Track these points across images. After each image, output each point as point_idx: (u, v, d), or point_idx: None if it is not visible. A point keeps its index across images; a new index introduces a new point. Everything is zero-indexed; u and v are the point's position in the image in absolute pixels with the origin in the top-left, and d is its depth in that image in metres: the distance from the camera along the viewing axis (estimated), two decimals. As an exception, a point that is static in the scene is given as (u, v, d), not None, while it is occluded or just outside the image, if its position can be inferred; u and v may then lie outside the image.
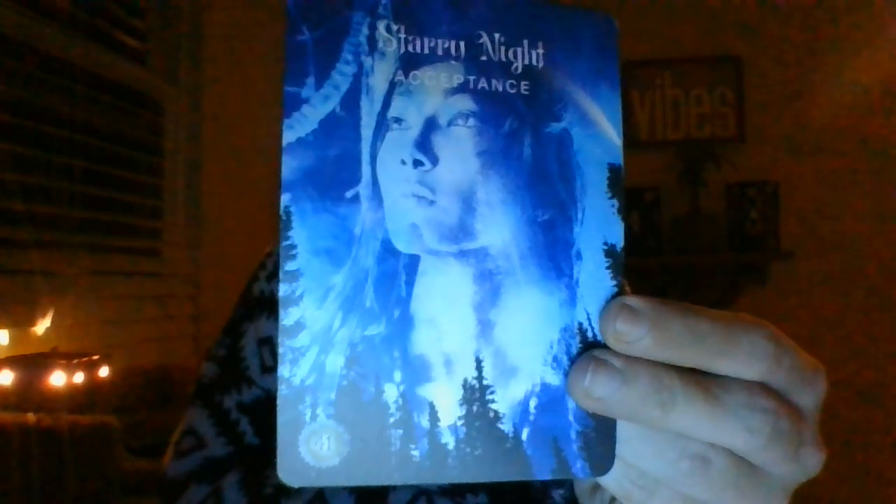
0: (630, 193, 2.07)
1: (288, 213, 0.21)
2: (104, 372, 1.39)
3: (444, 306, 0.22)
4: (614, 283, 0.23)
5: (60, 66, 1.60)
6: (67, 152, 1.61)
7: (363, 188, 0.22)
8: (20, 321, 1.44)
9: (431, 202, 0.22)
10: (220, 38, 2.09)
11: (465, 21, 0.23)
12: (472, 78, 0.23)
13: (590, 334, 0.23)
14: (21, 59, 1.50)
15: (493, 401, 0.22)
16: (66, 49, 1.61)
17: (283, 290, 0.21)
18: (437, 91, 0.23)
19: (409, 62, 0.23)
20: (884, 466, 2.02)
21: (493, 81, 0.23)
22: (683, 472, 0.22)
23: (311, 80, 0.22)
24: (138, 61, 1.92)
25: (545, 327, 0.23)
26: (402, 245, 0.22)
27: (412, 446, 0.21)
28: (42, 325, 1.47)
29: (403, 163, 0.22)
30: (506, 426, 0.22)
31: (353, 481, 0.21)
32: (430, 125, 0.23)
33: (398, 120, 0.23)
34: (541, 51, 0.24)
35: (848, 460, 1.96)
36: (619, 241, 0.24)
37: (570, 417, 0.23)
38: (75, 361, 1.34)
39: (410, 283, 0.22)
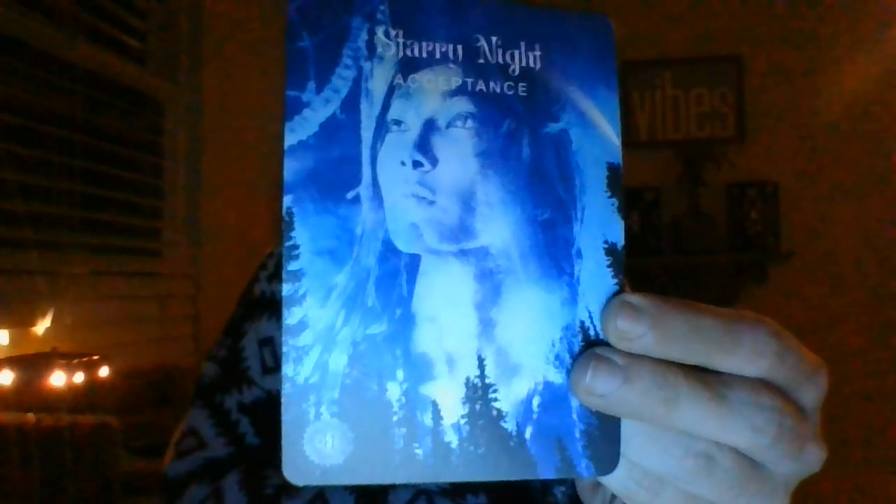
0: (630, 193, 2.07)
1: (290, 214, 0.22)
2: (104, 372, 1.39)
3: (445, 305, 0.22)
4: (615, 281, 0.23)
5: (60, 66, 1.60)
6: (67, 152, 1.61)
7: (364, 189, 0.22)
8: (20, 321, 1.44)
9: (431, 202, 0.23)
10: (220, 38, 2.09)
11: (462, 25, 0.24)
12: (470, 80, 0.24)
13: (592, 332, 0.23)
14: (21, 59, 1.50)
15: (495, 399, 0.22)
16: (66, 49, 1.61)
17: (286, 289, 0.21)
18: (435, 93, 0.23)
19: (408, 66, 0.23)
20: (884, 465, 2.02)
21: (491, 83, 0.24)
22: (688, 470, 0.22)
23: (311, 85, 0.22)
24: (138, 61, 1.92)
25: (547, 326, 0.23)
26: (402, 245, 0.22)
27: (415, 445, 0.21)
28: (42, 325, 1.47)
29: (403, 164, 0.23)
30: (509, 425, 0.22)
31: (357, 480, 0.21)
32: (429, 127, 0.23)
33: (398, 122, 0.23)
34: (538, 53, 0.24)
35: (847, 459, 1.96)
36: (620, 239, 0.24)
37: (574, 416, 0.23)
38: (75, 361, 1.34)
39: (412, 283, 0.22)
